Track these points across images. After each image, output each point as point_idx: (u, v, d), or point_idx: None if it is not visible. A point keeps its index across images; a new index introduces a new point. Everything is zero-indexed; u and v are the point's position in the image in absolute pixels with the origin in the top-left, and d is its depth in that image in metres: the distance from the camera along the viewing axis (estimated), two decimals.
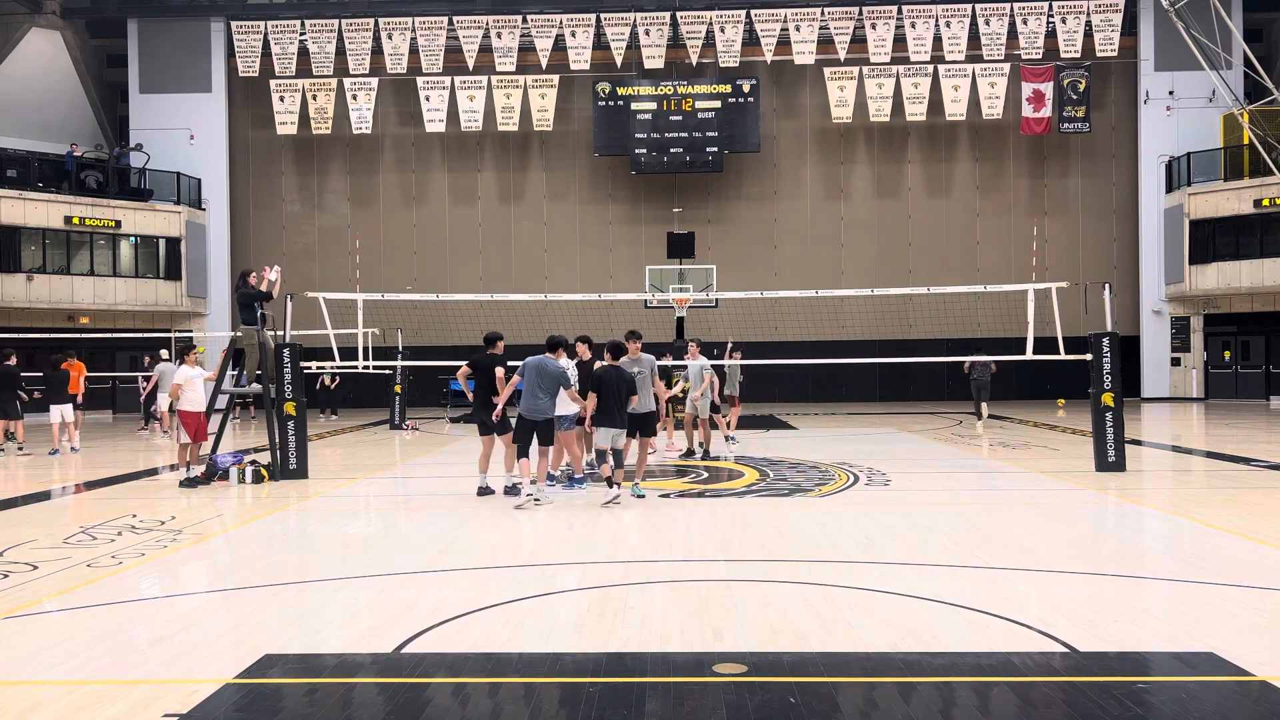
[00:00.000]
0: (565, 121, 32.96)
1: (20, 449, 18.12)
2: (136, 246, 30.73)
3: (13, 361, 18.71)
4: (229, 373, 15.72)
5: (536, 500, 10.86)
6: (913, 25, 31.43)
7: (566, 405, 12.01)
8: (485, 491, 11.64)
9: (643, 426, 11.91)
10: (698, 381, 15.71)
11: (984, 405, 23.48)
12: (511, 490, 11.50)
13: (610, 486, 10.88)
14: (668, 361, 17.49)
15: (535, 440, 11.11)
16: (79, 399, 20.18)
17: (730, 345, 18.57)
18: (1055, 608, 6.52)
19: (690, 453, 16.04)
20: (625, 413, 11.12)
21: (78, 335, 28.27)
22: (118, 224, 30.01)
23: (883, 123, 32.16)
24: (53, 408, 18.49)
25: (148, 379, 22.62)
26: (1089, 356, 13.63)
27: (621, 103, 31.89)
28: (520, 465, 11.02)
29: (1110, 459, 13.51)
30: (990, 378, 23.31)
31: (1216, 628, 6.02)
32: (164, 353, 22.87)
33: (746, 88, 31.84)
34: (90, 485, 13.81)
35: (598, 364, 15.48)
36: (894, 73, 31.61)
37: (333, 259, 33.08)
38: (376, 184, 33.90)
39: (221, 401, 16.16)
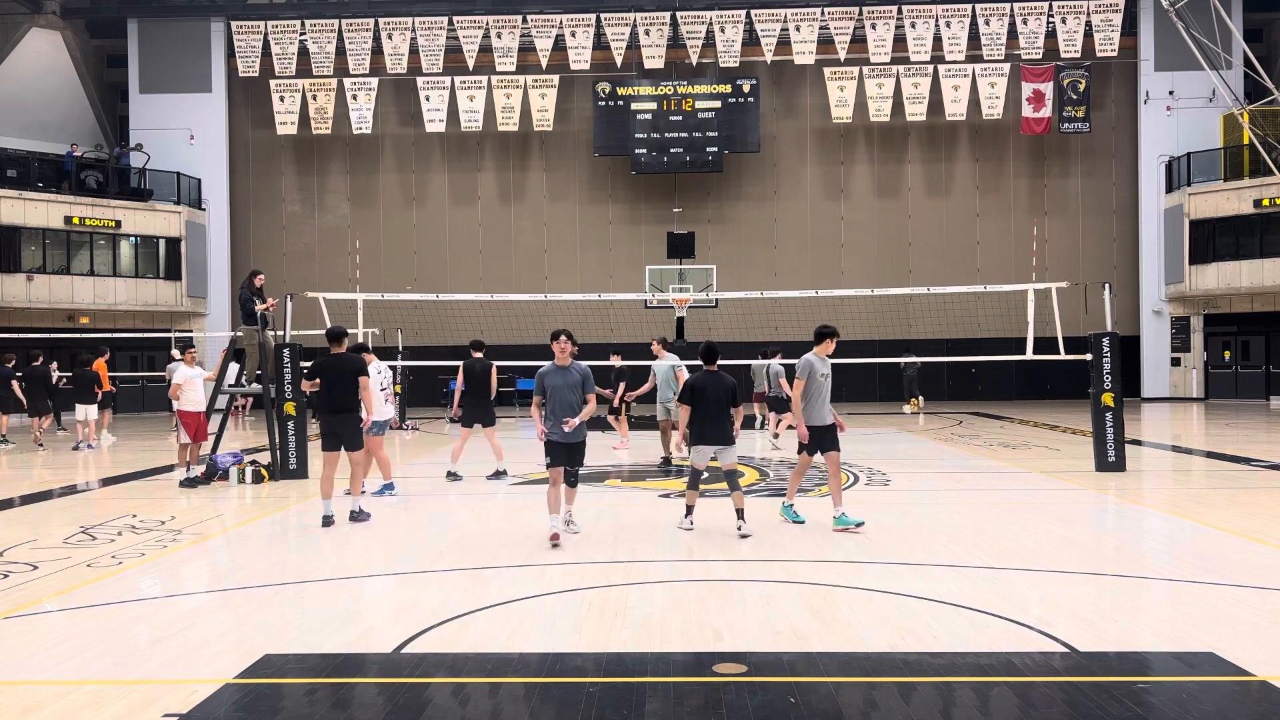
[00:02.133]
0: (565, 121, 32.96)
1: (41, 445, 18.88)
2: (136, 246, 30.72)
3: (40, 362, 19.51)
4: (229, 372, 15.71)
5: (573, 528, 9.31)
6: (913, 25, 31.43)
7: (381, 409, 11.57)
8: (329, 521, 9.73)
9: (826, 440, 9.52)
10: (670, 383, 14.92)
11: (919, 396, 27.38)
12: (359, 515, 9.95)
13: (687, 515, 9.41)
14: (777, 361, 17.93)
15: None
16: (100, 396, 20.47)
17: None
18: (1055, 608, 6.52)
19: (667, 460, 15.08)
20: (729, 426, 9.27)
21: (78, 335, 28.26)
22: (118, 224, 30.01)
23: (883, 123, 32.16)
24: (78, 406, 18.88)
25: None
26: (1089, 356, 13.64)
27: (621, 103, 31.89)
28: (565, 494, 9.23)
29: (1110, 459, 13.52)
30: (917, 372, 27.25)
31: (1216, 628, 6.02)
32: (176, 353, 22.95)
33: (746, 88, 31.84)
34: (91, 485, 13.81)
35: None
36: (894, 73, 31.61)
37: (333, 259, 33.08)
38: (376, 184, 33.89)
39: (221, 401, 16.16)
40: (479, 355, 13.57)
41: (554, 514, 8.94)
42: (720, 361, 9.62)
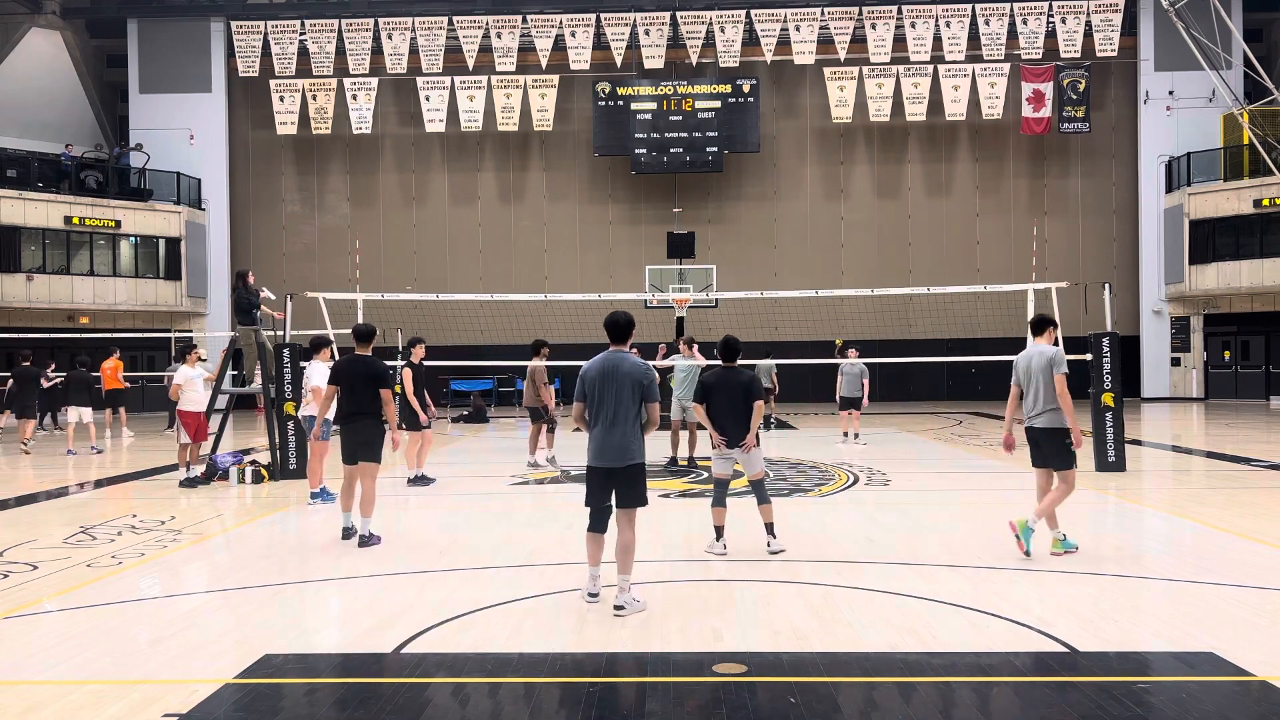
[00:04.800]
0: (565, 121, 32.96)
1: (25, 447, 18.45)
2: (136, 246, 30.72)
3: (28, 363, 19.29)
4: (229, 373, 15.72)
5: (622, 608, 6.49)
6: (913, 25, 31.43)
7: (311, 406, 11.24)
8: (351, 533, 9.06)
9: (1052, 451, 8.16)
10: (689, 383, 14.03)
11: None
12: (369, 540, 8.82)
13: (718, 538, 8.37)
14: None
15: (614, 501, 6.82)
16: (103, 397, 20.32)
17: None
18: (1055, 608, 6.52)
19: (674, 461, 14.35)
20: (744, 428, 8.21)
21: (78, 335, 28.26)
22: (118, 224, 30.01)
23: (883, 123, 32.16)
24: (70, 409, 18.69)
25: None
26: (1089, 356, 13.64)
27: (621, 103, 31.89)
28: (590, 542, 6.84)
29: (1110, 459, 13.52)
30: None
31: (1216, 628, 6.02)
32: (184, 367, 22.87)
33: (746, 88, 31.84)
34: (90, 485, 13.80)
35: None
36: (894, 73, 31.60)
37: (333, 259, 33.07)
38: (376, 184, 33.89)
39: (222, 401, 16.15)
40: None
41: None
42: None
